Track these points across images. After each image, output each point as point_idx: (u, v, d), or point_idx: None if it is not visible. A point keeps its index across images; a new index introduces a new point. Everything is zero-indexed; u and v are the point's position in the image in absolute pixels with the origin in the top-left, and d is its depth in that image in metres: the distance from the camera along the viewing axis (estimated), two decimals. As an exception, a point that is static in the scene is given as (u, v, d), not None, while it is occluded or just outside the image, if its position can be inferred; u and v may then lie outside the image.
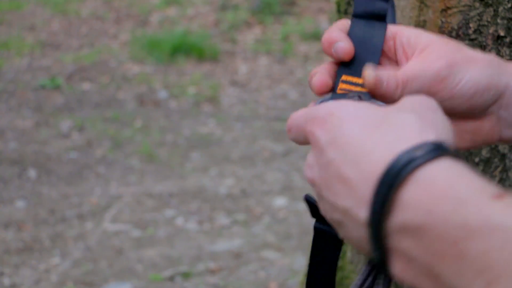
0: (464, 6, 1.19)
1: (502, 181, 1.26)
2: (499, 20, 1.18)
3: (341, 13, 1.55)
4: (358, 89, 0.87)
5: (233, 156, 5.21)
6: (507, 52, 1.19)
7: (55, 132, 5.51)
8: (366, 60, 0.89)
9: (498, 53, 1.20)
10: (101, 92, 6.30)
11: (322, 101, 0.86)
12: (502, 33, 1.18)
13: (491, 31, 1.19)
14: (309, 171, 0.76)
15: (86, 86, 6.42)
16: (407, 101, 0.74)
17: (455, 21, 1.20)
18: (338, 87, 0.89)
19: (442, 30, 1.21)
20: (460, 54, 0.86)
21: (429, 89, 0.84)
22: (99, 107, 6.01)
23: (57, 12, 7.98)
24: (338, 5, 1.56)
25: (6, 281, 3.74)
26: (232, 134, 5.61)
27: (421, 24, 1.23)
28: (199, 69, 6.86)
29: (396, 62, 0.89)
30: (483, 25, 1.19)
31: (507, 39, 1.18)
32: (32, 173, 4.87)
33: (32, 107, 5.93)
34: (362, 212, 0.67)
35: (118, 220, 4.33)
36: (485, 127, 0.89)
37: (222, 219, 4.36)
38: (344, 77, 0.90)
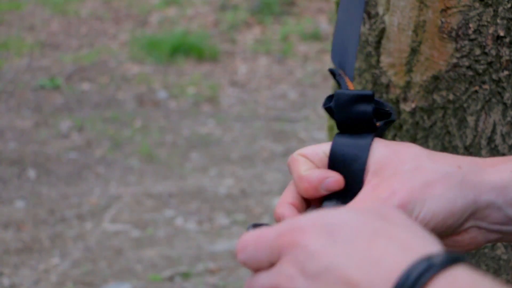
0: (464, 6, 1.19)
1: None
2: (499, 20, 1.18)
3: (340, 13, 1.55)
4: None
5: (233, 156, 5.21)
6: (507, 52, 1.19)
7: (55, 132, 5.51)
8: (349, 180, 0.83)
9: (498, 53, 1.20)
10: (101, 92, 6.30)
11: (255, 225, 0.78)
12: (502, 33, 1.18)
13: (491, 31, 1.19)
14: (289, 284, 0.67)
15: (85, 86, 6.42)
16: (384, 211, 0.69)
17: (454, 21, 1.20)
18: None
19: (442, 30, 1.21)
20: (416, 180, 0.79)
21: None
22: (98, 107, 6.01)
23: (57, 12, 7.98)
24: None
25: (6, 281, 3.74)
26: (231, 134, 5.61)
27: (421, 24, 1.23)
28: (199, 69, 6.86)
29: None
30: (483, 25, 1.19)
31: (507, 39, 1.18)
32: (31, 173, 4.87)
33: (32, 107, 5.93)
34: None
35: (117, 220, 4.33)
36: (465, 240, 0.84)
37: (222, 219, 4.36)
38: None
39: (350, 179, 0.82)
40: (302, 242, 0.66)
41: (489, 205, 0.81)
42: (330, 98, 0.86)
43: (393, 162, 0.80)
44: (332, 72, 0.89)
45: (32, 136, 5.43)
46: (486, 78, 1.23)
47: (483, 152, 1.23)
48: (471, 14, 1.19)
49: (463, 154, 1.24)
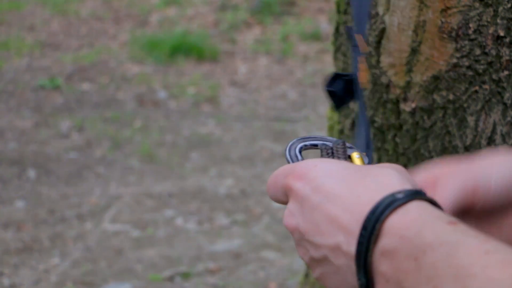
0: (464, 6, 1.19)
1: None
2: (499, 20, 1.18)
3: (341, 13, 1.55)
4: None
5: (233, 156, 5.21)
6: (507, 52, 1.19)
7: (55, 132, 5.51)
8: None
9: (498, 53, 1.20)
10: (101, 92, 6.30)
11: (291, 145, 0.90)
12: (502, 33, 1.18)
13: (491, 31, 1.19)
14: (291, 219, 0.83)
15: (85, 86, 6.42)
16: (382, 164, 0.84)
17: (455, 21, 1.20)
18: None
19: (442, 30, 1.21)
20: (475, 166, 0.88)
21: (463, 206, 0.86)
22: (98, 107, 6.01)
23: (57, 12, 7.98)
24: (338, 5, 1.56)
25: (6, 281, 3.74)
26: (231, 134, 5.61)
27: (421, 24, 1.23)
28: (199, 69, 6.86)
29: None
30: (483, 25, 1.19)
31: (507, 39, 1.18)
32: (31, 173, 4.87)
33: (32, 107, 5.93)
34: (352, 245, 0.76)
35: (117, 220, 4.33)
36: None
37: (222, 219, 4.36)
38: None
39: None
40: (299, 185, 0.81)
41: None
42: (331, 80, 0.92)
43: (451, 172, 0.90)
44: (348, 30, 0.94)
45: (32, 136, 5.43)
46: (486, 78, 1.23)
47: (483, 152, 1.23)
48: (471, 14, 1.19)
49: (463, 154, 1.25)
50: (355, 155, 0.89)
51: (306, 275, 2.13)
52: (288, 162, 0.89)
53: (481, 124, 1.24)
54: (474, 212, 0.89)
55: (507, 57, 1.19)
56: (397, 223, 0.75)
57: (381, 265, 0.75)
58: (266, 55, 7.29)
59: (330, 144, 0.87)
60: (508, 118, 1.22)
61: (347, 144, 0.90)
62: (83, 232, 4.20)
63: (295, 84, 6.68)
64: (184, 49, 7.02)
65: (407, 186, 0.78)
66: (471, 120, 1.24)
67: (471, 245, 0.70)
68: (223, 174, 4.93)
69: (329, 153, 0.86)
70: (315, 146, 0.92)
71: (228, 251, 4.02)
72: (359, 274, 0.76)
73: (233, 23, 7.85)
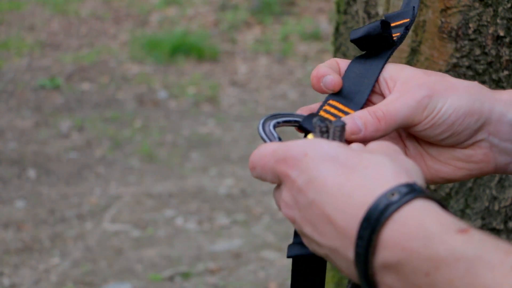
0: (463, 6, 1.19)
1: (501, 181, 1.26)
2: (498, 20, 1.18)
3: (341, 13, 1.55)
4: (341, 115, 0.90)
5: (233, 156, 5.21)
6: (507, 52, 1.19)
7: (55, 132, 5.51)
8: (356, 93, 0.92)
9: (498, 53, 1.20)
10: (101, 92, 6.30)
11: (264, 122, 0.88)
12: (501, 33, 1.18)
13: (490, 31, 1.19)
14: (288, 211, 0.79)
15: (85, 86, 6.42)
16: (375, 145, 0.79)
17: (454, 21, 1.20)
18: (323, 108, 0.92)
19: (442, 30, 1.21)
20: (441, 83, 0.88)
21: (413, 119, 0.87)
22: (98, 107, 6.01)
23: (57, 12, 7.98)
24: (338, 5, 1.56)
25: (6, 281, 3.74)
26: (231, 134, 5.61)
27: (421, 24, 1.23)
28: (199, 69, 6.86)
29: (382, 95, 0.92)
30: (483, 25, 1.19)
31: (507, 39, 1.18)
32: (31, 173, 4.87)
33: (32, 107, 5.93)
34: (350, 252, 0.73)
35: (117, 220, 4.33)
36: (477, 154, 0.90)
37: (222, 219, 4.36)
38: (331, 101, 0.92)
39: (358, 92, 0.92)
40: (292, 176, 0.77)
41: (501, 117, 0.89)
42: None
43: (420, 75, 0.89)
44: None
45: (32, 136, 5.43)
46: (486, 78, 1.23)
47: (483, 152, 1.23)
48: (471, 14, 1.19)
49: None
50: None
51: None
52: (264, 141, 0.86)
53: (481, 124, 1.24)
54: (418, 134, 0.89)
55: (507, 57, 1.19)
56: (396, 233, 0.70)
57: (385, 277, 0.71)
58: (266, 55, 7.29)
59: (324, 123, 0.84)
60: (508, 118, 1.22)
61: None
62: (83, 232, 4.20)
63: (295, 84, 6.68)
64: (184, 49, 7.02)
65: (402, 179, 0.73)
66: (471, 120, 1.24)
67: (493, 260, 0.65)
68: (223, 174, 4.93)
69: (324, 131, 0.83)
70: (288, 122, 0.91)
71: (228, 251, 4.01)
72: (361, 281, 0.73)
73: (233, 23, 7.85)
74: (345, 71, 0.94)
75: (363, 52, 0.95)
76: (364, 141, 0.86)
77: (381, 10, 1.27)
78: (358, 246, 0.72)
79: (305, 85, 6.59)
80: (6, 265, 3.86)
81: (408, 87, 0.88)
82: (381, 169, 0.74)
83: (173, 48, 6.99)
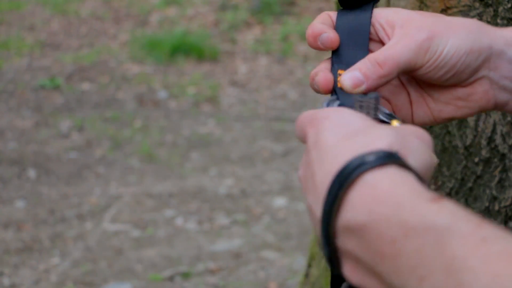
0: (464, 6, 1.19)
1: (501, 181, 1.26)
2: (499, 20, 1.18)
3: (341, 13, 1.55)
4: None
5: (233, 156, 5.21)
6: (507, 52, 1.19)
7: (55, 132, 5.51)
8: (355, 50, 0.91)
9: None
10: (101, 92, 6.30)
11: (329, 102, 0.88)
12: (502, 33, 1.18)
13: (491, 31, 1.19)
14: (300, 169, 0.79)
15: (85, 86, 6.42)
16: (402, 127, 0.77)
17: (455, 21, 1.20)
18: (338, 81, 0.90)
19: (442, 30, 1.21)
20: (439, 24, 0.88)
21: (415, 62, 0.86)
22: (98, 107, 6.01)
23: (57, 12, 7.98)
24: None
25: (6, 281, 3.74)
26: (231, 134, 5.61)
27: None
28: (199, 69, 6.86)
29: (381, 43, 0.91)
30: (483, 25, 1.19)
31: (507, 39, 1.18)
32: (31, 173, 4.87)
33: (32, 107, 5.93)
34: (318, 209, 0.71)
35: (117, 220, 4.33)
36: (478, 92, 0.90)
37: (222, 219, 4.36)
38: (340, 72, 0.91)
39: (355, 48, 0.91)
40: (309, 135, 0.77)
41: (501, 54, 0.88)
42: None
43: (416, 17, 0.88)
44: None
45: (32, 136, 5.43)
46: (486, 78, 1.23)
47: (483, 152, 1.23)
48: (471, 14, 1.19)
49: (463, 154, 1.24)
50: (395, 123, 0.85)
51: (306, 275, 2.13)
52: None
53: (481, 124, 1.24)
54: (420, 77, 0.88)
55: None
56: (365, 195, 0.67)
57: (347, 241, 0.68)
58: (266, 55, 7.29)
59: (362, 97, 0.83)
60: (508, 118, 1.22)
61: (386, 111, 0.87)
62: (83, 232, 4.20)
63: (295, 84, 6.68)
64: (184, 49, 7.02)
65: (395, 149, 0.71)
66: (471, 120, 1.24)
67: (464, 231, 0.62)
68: (223, 174, 4.93)
69: (362, 106, 0.82)
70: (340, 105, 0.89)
71: (228, 251, 4.01)
72: (322, 244, 0.70)
73: (233, 23, 7.84)
74: (336, 29, 0.93)
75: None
76: (371, 90, 0.86)
77: (381, 10, 1.27)
78: (325, 203, 0.69)
79: (305, 85, 6.59)
80: (6, 265, 3.86)
81: (407, 30, 0.87)
82: (377, 138, 0.72)
83: (173, 48, 6.99)
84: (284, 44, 7.50)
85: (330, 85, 0.90)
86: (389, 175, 0.68)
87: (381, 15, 0.90)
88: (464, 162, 1.24)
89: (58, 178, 4.84)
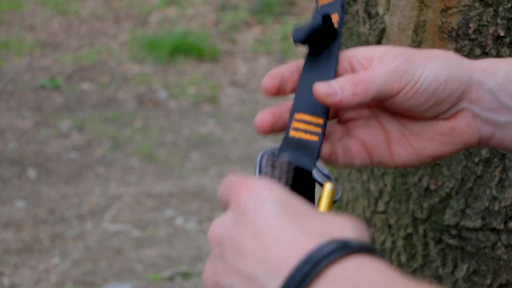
0: (464, 6, 1.19)
1: (501, 181, 1.26)
2: (499, 20, 1.18)
3: (341, 13, 1.55)
4: (312, 128, 0.85)
5: (233, 156, 5.22)
6: (507, 52, 1.19)
7: (55, 132, 5.52)
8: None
9: (498, 53, 1.20)
10: (101, 92, 6.30)
11: (264, 153, 0.82)
12: (502, 33, 1.18)
13: (491, 31, 1.19)
14: (219, 229, 0.73)
15: (85, 86, 6.42)
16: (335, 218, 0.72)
17: (455, 21, 1.20)
18: (291, 126, 0.86)
19: (442, 30, 1.21)
20: (416, 53, 0.87)
21: (391, 86, 0.85)
22: (98, 107, 6.01)
23: (57, 12, 7.98)
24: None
25: (6, 281, 3.74)
26: (231, 134, 5.61)
27: (421, 24, 1.23)
28: (199, 69, 6.86)
29: None
30: (483, 25, 1.19)
31: (507, 39, 1.18)
32: (31, 173, 4.87)
33: (32, 107, 5.93)
34: (272, 283, 0.66)
35: (117, 220, 4.33)
36: (461, 126, 0.88)
37: (222, 219, 4.36)
38: (297, 115, 0.87)
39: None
40: (242, 198, 0.72)
41: (481, 85, 0.87)
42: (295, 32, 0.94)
43: (393, 49, 0.88)
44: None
45: (32, 136, 5.43)
46: (486, 78, 1.23)
47: (483, 152, 1.23)
48: (471, 14, 1.19)
49: (463, 154, 1.24)
50: (327, 186, 0.80)
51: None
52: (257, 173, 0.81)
53: (481, 124, 1.24)
54: (400, 108, 0.87)
55: (507, 57, 1.19)
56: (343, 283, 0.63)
57: None
58: (266, 55, 7.29)
59: (273, 156, 0.78)
60: (508, 118, 1.22)
61: (325, 171, 0.82)
62: (83, 232, 4.20)
63: (295, 84, 6.68)
64: (184, 49, 7.03)
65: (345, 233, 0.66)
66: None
67: None
68: (223, 174, 4.93)
69: (274, 167, 0.77)
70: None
71: (228, 251, 4.02)
72: None
73: (233, 23, 7.85)
74: (299, 81, 0.91)
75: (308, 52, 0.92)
76: (341, 106, 0.83)
77: (381, 10, 1.27)
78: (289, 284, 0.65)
79: (305, 85, 6.59)
80: (6, 265, 3.86)
81: (384, 59, 0.86)
82: (328, 222, 0.68)
83: (173, 48, 6.99)
84: (284, 44, 7.50)
85: (265, 126, 0.87)
86: (349, 270, 0.64)
87: (357, 53, 0.89)
88: (464, 162, 1.24)
89: (58, 178, 4.84)
